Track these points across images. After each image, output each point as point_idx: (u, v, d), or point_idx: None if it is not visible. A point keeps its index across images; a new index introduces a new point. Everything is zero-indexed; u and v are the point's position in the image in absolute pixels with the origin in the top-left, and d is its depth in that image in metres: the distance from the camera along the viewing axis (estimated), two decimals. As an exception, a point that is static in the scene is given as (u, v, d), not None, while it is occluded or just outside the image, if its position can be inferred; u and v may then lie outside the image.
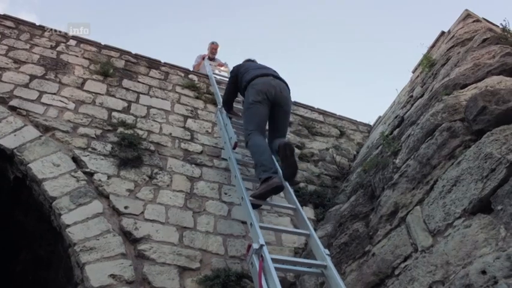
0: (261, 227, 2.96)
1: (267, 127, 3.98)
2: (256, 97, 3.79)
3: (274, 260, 2.64)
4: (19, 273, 4.35)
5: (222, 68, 6.79)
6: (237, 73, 4.24)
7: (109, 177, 3.75)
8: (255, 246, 2.68)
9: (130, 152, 4.02)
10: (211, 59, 7.11)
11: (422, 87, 4.30)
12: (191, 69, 6.18)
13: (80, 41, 5.21)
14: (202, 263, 3.44)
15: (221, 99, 4.87)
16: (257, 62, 4.80)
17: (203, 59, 7.13)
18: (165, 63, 5.54)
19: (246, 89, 3.97)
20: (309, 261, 3.01)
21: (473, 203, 2.29)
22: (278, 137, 3.84)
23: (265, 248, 2.66)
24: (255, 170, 3.71)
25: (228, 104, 4.53)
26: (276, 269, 2.57)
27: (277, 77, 4.03)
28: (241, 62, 4.55)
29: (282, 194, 3.98)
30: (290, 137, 5.23)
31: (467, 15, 4.42)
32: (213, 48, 7.24)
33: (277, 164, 3.66)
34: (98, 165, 3.80)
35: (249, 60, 4.75)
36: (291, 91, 4.07)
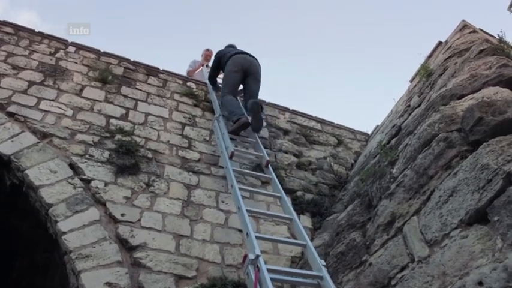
0: (257, 237, 2.96)
1: (242, 89, 5.30)
2: (232, 68, 5.05)
3: (270, 271, 2.63)
4: (15, 279, 4.32)
5: (220, 76, 6.81)
6: (220, 56, 5.42)
7: (106, 184, 3.74)
8: (251, 256, 2.68)
9: (128, 159, 4.01)
10: (206, 65, 7.15)
11: (419, 96, 4.32)
12: (185, 73, 6.22)
13: (79, 47, 5.22)
14: (199, 272, 3.42)
15: (219, 108, 4.94)
16: (236, 46, 5.76)
17: (202, 65, 7.15)
18: (163, 70, 5.55)
19: (226, 65, 5.17)
20: (305, 272, 3.01)
21: (469, 214, 2.29)
22: (251, 97, 5.00)
23: (261, 259, 2.66)
24: (228, 119, 4.75)
25: (213, 79, 5.58)
26: (272, 279, 2.57)
27: (248, 53, 5.29)
28: (223, 48, 5.67)
29: (278, 203, 4.00)
30: (288, 145, 5.25)
31: (464, 26, 4.46)
32: (208, 55, 7.27)
33: (245, 111, 4.77)
34: (95, 172, 3.79)
35: (230, 46, 5.73)
36: (260, 65, 5.32)
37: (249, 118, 4.66)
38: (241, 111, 4.71)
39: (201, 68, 7.12)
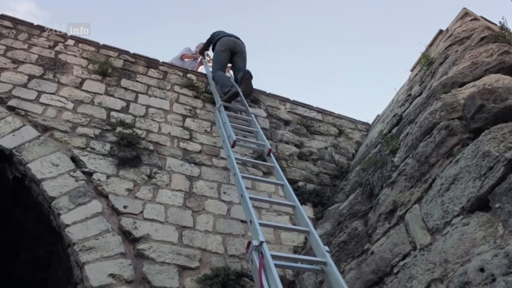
0: (260, 224, 2.93)
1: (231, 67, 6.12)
2: (220, 48, 5.80)
3: (274, 257, 2.61)
4: (18, 273, 4.35)
5: (207, 52, 6.88)
6: (213, 36, 6.16)
7: (108, 176, 3.75)
8: (255, 243, 2.66)
9: (129, 151, 4.02)
10: (195, 59, 7.25)
11: (420, 85, 4.31)
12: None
13: (78, 40, 5.21)
14: (202, 262, 3.45)
15: (219, 99, 4.95)
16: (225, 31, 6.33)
17: (199, 62, 7.19)
18: (163, 62, 5.55)
19: (215, 44, 5.93)
20: (308, 257, 2.99)
21: (471, 201, 2.30)
22: (240, 70, 5.71)
23: (265, 245, 2.63)
24: (220, 88, 5.31)
25: (202, 52, 6.66)
26: (276, 265, 2.55)
27: (234, 35, 6.01)
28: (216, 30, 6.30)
29: (281, 192, 4.02)
30: (289, 135, 5.26)
31: (465, 14, 4.43)
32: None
33: (235, 84, 5.45)
34: (97, 165, 3.80)
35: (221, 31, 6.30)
36: (245, 44, 6.03)
37: (239, 89, 5.28)
38: (231, 83, 5.37)
39: (199, 59, 7.16)
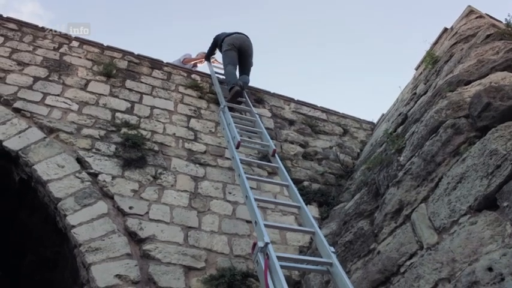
0: (265, 225, 2.93)
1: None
2: (227, 47, 5.79)
3: (279, 258, 2.61)
4: (25, 274, 4.37)
5: (214, 56, 6.84)
6: (216, 39, 6.17)
7: (113, 177, 3.76)
8: (260, 244, 2.66)
9: (134, 152, 4.03)
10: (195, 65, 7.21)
11: (425, 84, 4.28)
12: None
13: (83, 42, 5.22)
14: (208, 263, 3.45)
15: (224, 99, 4.94)
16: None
17: (201, 61, 7.16)
18: (167, 63, 5.55)
19: (221, 45, 5.92)
20: (314, 258, 2.98)
21: (478, 200, 2.28)
22: (244, 73, 5.84)
23: (270, 246, 2.63)
24: (226, 84, 5.43)
25: (208, 57, 6.48)
26: (281, 267, 2.55)
27: (240, 33, 5.98)
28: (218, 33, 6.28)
29: (286, 192, 4.02)
30: (293, 135, 5.25)
31: (470, 11, 4.40)
32: (202, 56, 7.26)
33: (239, 82, 5.39)
34: (102, 166, 3.81)
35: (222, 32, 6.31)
36: (252, 42, 6.04)
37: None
38: (236, 80, 5.38)
39: (202, 62, 7.12)
